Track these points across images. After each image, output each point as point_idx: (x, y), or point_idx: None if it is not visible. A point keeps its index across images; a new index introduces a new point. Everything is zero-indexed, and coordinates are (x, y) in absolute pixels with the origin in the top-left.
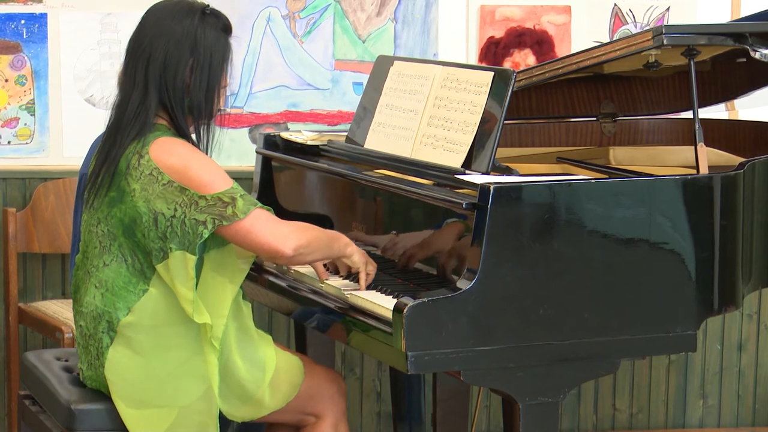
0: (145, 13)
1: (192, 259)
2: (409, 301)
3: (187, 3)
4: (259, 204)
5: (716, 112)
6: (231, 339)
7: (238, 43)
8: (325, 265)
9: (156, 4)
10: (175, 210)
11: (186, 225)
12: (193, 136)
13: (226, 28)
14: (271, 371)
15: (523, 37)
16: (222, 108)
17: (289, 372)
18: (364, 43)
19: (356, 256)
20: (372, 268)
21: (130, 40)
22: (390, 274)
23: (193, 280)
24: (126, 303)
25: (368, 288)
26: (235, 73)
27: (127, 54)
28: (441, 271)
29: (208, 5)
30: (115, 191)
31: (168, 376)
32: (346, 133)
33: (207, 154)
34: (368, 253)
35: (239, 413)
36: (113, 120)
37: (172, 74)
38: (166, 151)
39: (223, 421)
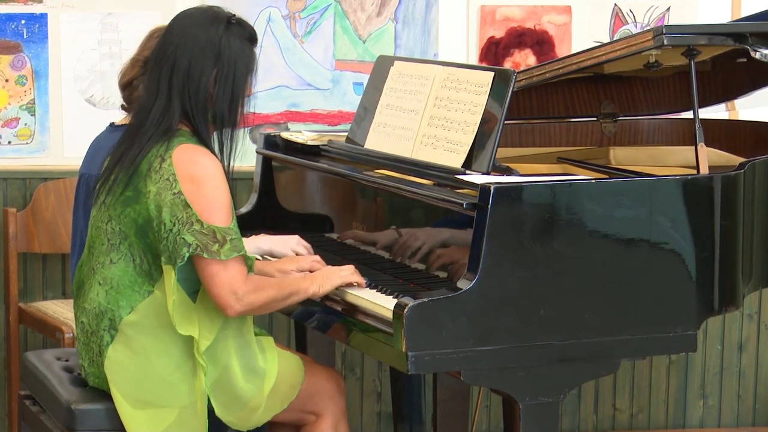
0: (172, 20)
1: (173, 277)
2: (410, 301)
3: (213, 12)
4: (243, 252)
5: (716, 112)
6: (230, 345)
7: None
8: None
9: (183, 11)
10: (174, 225)
11: (176, 243)
12: (215, 147)
13: (251, 38)
14: (272, 380)
15: (523, 37)
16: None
17: (289, 374)
18: (364, 43)
19: (325, 288)
20: (350, 276)
21: (156, 46)
22: (390, 274)
23: (173, 296)
24: (130, 302)
25: (368, 288)
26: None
27: (152, 60)
28: (441, 271)
29: (234, 14)
30: (132, 191)
31: (167, 376)
32: (346, 134)
33: (230, 160)
34: (368, 253)
35: (238, 420)
36: (134, 122)
37: (196, 84)
38: (191, 159)
39: (221, 426)
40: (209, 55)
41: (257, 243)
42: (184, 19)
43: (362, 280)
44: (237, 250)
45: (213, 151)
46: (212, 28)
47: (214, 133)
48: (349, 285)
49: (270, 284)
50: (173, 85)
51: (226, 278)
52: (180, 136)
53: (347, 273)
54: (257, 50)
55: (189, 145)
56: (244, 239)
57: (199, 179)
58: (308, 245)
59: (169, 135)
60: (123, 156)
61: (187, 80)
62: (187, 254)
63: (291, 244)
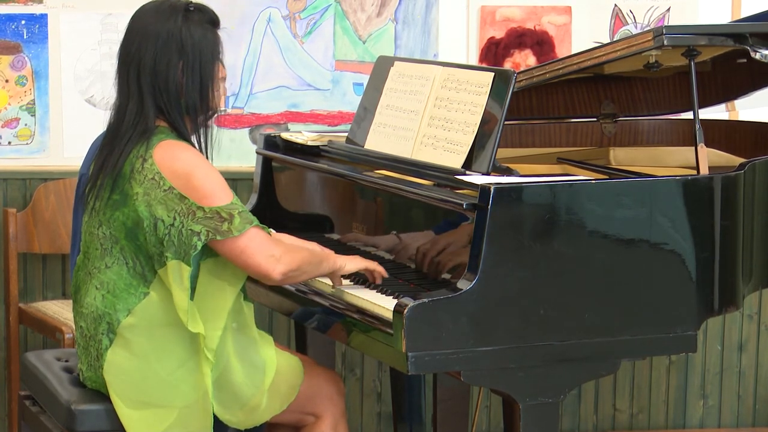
0: (131, 18)
1: (187, 270)
2: (410, 302)
3: (169, 3)
4: (256, 222)
5: (716, 112)
6: (228, 343)
7: (238, 43)
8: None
9: (140, 7)
10: (174, 219)
11: (183, 235)
12: (194, 137)
13: (212, 21)
14: (271, 374)
15: (523, 38)
16: (222, 109)
17: (288, 375)
18: (364, 43)
19: (350, 265)
20: (375, 265)
21: (120, 48)
22: (390, 274)
23: (188, 291)
24: (126, 305)
25: (368, 288)
26: (229, 64)
27: (119, 61)
28: (441, 271)
29: (191, 2)
30: (118, 195)
31: (167, 376)
32: (346, 134)
33: (207, 153)
34: (368, 254)
35: (237, 419)
36: (112, 125)
37: (164, 79)
38: (171, 156)
39: (222, 426)
40: (172, 48)
41: None
42: (142, 15)
43: (385, 272)
44: (248, 221)
45: (191, 143)
46: (170, 20)
47: (191, 125)
48: (371, 274)
49: (301, 247)
50: (142, 85)
51: (257, 245)
52: (159, 134)
53: (373, 263)
54: (221, 33)
55: (167, 142)
56: None
57: (185, 173)
58: None
59: (148, 135)
60: (106, 161)
61: (155, 77)
62: (200, 243)
63: None
